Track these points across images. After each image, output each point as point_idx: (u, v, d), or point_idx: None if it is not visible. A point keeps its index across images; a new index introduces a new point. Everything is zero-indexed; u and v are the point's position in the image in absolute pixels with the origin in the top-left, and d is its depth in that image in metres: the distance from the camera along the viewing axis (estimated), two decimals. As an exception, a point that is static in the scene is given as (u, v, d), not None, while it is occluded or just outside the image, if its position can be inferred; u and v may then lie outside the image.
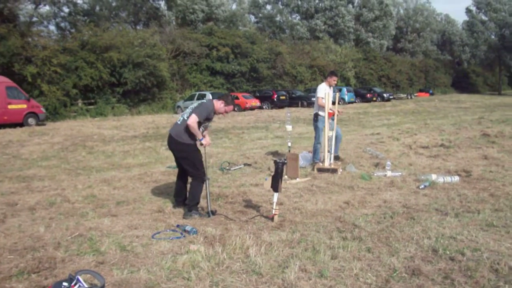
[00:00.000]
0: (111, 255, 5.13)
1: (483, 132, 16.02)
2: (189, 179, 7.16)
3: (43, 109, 26.99)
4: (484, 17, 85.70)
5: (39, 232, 5.96)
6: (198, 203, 6.86)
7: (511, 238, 5.46)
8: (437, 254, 4.98)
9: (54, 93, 30.14)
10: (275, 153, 12.72)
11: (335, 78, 10.73)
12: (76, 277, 3.58)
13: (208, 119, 6.87)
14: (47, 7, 48.02)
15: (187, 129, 6.70)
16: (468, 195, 7.63)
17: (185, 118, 6.77)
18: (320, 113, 10.57)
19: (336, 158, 10.77)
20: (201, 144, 6.79)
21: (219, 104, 6.90)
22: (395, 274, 4.51)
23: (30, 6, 43.27)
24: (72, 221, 6.54)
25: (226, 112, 7.07)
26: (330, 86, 10.73)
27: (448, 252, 5.01)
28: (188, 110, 6.89)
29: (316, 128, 10.81)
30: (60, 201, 7.83)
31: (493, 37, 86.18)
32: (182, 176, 7.30)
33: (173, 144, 6.93)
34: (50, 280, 4.47)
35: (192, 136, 6.70)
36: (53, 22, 51.53)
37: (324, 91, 10.45)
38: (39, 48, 31.32)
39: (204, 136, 6.88)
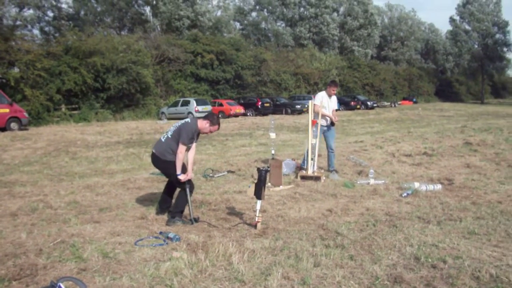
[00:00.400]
0: (93, 262, 5.10)
1: (466, 141, 16.15)
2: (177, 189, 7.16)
3: (26, 114, 26.82)
4: (467, 27, 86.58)
5: (21, 239, 5.92)
6: (182, 211, 6.86)
7: (493, 246, 5.51)
8: (419, 262, 5.01)
9: (37, 98, 29.93)
10: (258, 160, 12.72)
11: (334, 88, 10.74)
12: (58, 285, 3.56)
13: (192, 139, 6.86)
14: (31, 11, 47.74)
15: (170, 146, 6.74)
16: (450, 203, 7.69)
17: (169, 136, 6.80)
18: (321, 121, 10.58)
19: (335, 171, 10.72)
20: (179, 178, 6.75)
21: (204, 124, 6.87)
22: (377, 281, 4.53)
23: (14, 10, 43.00)
24: (54, 227, 6.49)
25: (211, 131, 7.05)
26: (329, 95, 10.73)
27: (430, 260, 5.04)
28: (172, 128, 6.91)
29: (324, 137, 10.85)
30: (42, 207, 7.77)
31: (476, 46, 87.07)
32: (170, 185, 7.29)
33: (158, 162, 6.95)
34: (32, 287, 4.44)
35: (175, 153, 6.70)
36: (37, 26, 51.18)
37: (321, 99, 10.52)
38: (23, 52, 31.07)
39: (185, 168, 6.90)
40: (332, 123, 10.80)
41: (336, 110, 10.92)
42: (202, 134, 7.20)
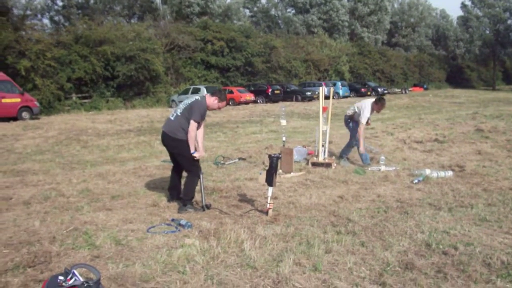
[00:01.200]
0: (106, 249, 5.14)
1: (477, 127, 16.07)
2: (184, 174, 7.17)
3: (37, 103, 26.91)
4: (479, 13, 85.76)
5: (34, 226, 5.97)
6: (193, 197, 6.87)
7: (504, 233, 5.50)
8: (430, 248, 5.01)
9: (48, 87, 30.05)
10: (269, 148, 12.72)
11: (381, 107, 10.38)
12: (72, 271, 3.60)
13: (203, 117, 6.87)
14: (41, 0, 47.83)
15: (181, 125, 6.70)
16: (461, 190, 7.67)
17: (179, 114, 6.76)
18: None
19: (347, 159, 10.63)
20: (193, 156, 6.78)
21: (212, 100, 6.86)
22: (388, 268, 4.54)
23: (24, 0, 43.10)
24: (67, 215, 6.54)
25: (219, 108, 7.05)
26: (373, 111, 10.33)
27: (441, 247, 5.04)
28: (181, 106, 6.88)
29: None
30: (54, 195, 7.82)
31: (487, 32, 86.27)
32: (177, 170, 7.31)
33: (167, 140, 6.91)
34: (46, 274, 4.47)
35: (186, 131, 6.69)
36: (47, 16, 51.34)
37: (369, 115, 10.24)
38: (33, 42, 31.15)
39: (197, 145, 6.90)
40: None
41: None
42: (210, 111, 7.18)
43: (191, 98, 6.95)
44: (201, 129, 7.06)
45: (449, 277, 4.31)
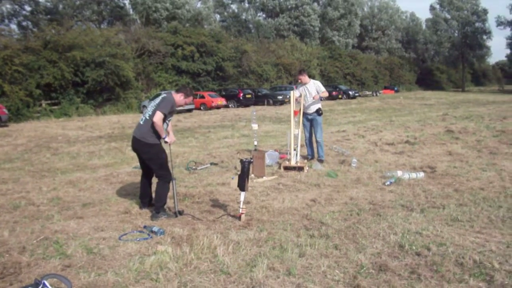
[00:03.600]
0: (77, 258, 5.07)
1: (447, 129, 16.26)
2: (154, 179, 7.11)
3: (5, 110, 26.54)
4: (447, 15, 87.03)
5: (3, 237, 5.86)
6: (165, 203, 6.81)
7: (476, 232, 5.57)
8: (404, 250, 5.04)
9: (16, 94, 29.61)
10: (241, 152, 12.71)
11: (299, 76, 11.02)
12: (42, 282, 3.54)
13: (171, 113, 6.81)
14: (8, 5, 47.23)
15: (151, 129, 6.64)
16: (433, 191, 7.75)
17: (147, 118, 6.70)
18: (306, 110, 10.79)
19: (321, 161, 10.76)
20: (166, 142, 6.75)
21: (178, 97, 6.85)
22: (362, 270, 4.55)
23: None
24: (37, 224, 6.44)
25: (186, 103, 7.07)
26: (303, 84, 10.90)
27: (414, 248, 5.07)
28: (149, 109, 6.81)
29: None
30: (24, 204, 7.70)
31: (456, 35, 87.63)
32: (146, 176, 7.24)
33: (138, 145, 6.83)
34: (16, 285, 4.40)
35: (157, 135, 6.63)
36: (15, 21, 50.66)
37: (296, 91, 10.89)
38: (0, 48, 30.75)
39: (168, 134, 6.85)
40: (318, 113, 10.82)
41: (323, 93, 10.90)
42: (178, 108, 7.15)
43: (158, 99, 6.91)
44: (169, 127, 7.04)
45: (423, 278, 4.33)
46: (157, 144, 6.69)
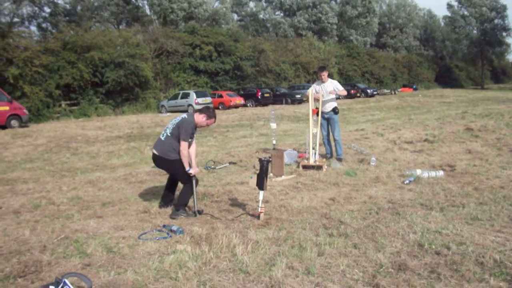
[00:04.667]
0: (97, 257, 5.10)
1: (467, 127, 16.11)
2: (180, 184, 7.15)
3: (26, 111, 26.75)
4: (465, 12, 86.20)
5: (25, 236, 5.92)
6: (186, 204, 6.85)
7: (496, 231, 5.51)
8: (423, 249, 5.01)
9: (36, 94, 29.91)
10: (260, 151, 12.71)
11: (320, 73, 10.98)
12: (63, 280, 3.57)
13: (192, 134, 6.86)
14: (28, 8, 47.67)
15: (172, 145, 6.72)
16: (452, 190, 7.69)
17: (168, 134, 6.77)
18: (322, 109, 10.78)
19: (339, 160, 10.74)
20: (189, 174, 6.76)
21: (200, 118, 6.87)
22: (381, 269, 4.53)
23: (10, 7, 42.90)
24: (57, 223, 6.49)
25: (208, 125, 7.07)
26: (322, 81, 10.87)
27: (433, 247, 5.04)
28: (170, 125, 6.88)
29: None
30: (45, 203, 7.78)
31: (474, 31, 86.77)
32: (172, 181, 7.29)
33: (160, 162, 6.95)
34: (37, 284, 4.43)
35: (178, 151, 6.69)
36: (35, 23, 51.12)
37: (313, 88, 10.91)
38: (21, 49, 31.09)
39: (191, 163, 6.88)
40: (334, 112, 10.79)
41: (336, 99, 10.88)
42: (200, 128, 7.19)
43: (179, 117, 6.96)
44: (193, 146, 7.08)
45: (442, 277, 4.30)
46: (178, 159, 6.72)
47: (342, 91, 10.84)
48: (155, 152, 6.91)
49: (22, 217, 6.97)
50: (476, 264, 4.55)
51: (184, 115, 7.00)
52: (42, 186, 9.43)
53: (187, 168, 6.68)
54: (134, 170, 10.86)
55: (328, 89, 10.68)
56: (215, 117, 7.08)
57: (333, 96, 10.71)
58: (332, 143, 11.07)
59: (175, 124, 6.77)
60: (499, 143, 12.48)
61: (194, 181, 6.80)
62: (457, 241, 5.18)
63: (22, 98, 29.28)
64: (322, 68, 11.01)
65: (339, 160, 10.57)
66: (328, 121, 10.86)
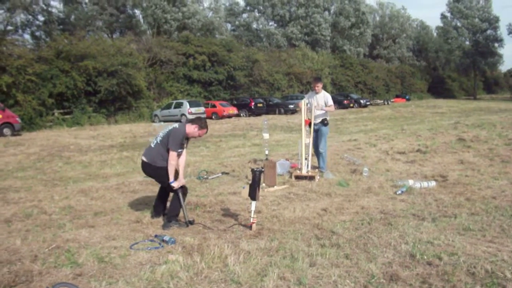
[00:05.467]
0: (89, 267, 5.09)
1: (459, 137, 16.20)
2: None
3: (18, 119, 26.71)
4: (458, 23, 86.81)
5: (16, 245, 5.89)
6: (177, 214, 6.83)
7: (487, 242, 5.54)
8: (415, 259, 5.02)
9: (29, 103, 29.86)
10: (252, 161, 12.71)
11: (314, 84, 10.93)
12: (54, 290, 3.56)
13: (182, 145, 6.86)
14: (22, 16, 47.66)
15: (160, 152, 6.74)
16: (444, 200, 7.71)
17: (159, 142, 6.78)
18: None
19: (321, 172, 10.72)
20: (172, 186, 6.75)
21: (192, 129, 6.86)
22: (373, 280, 4.54)
23: (4, 15, 42.89)
24: (49, 233, 6.47)
25: (200, 135, 7.04)
26: (316, 92, 10.86)
27: (425, 257, 5.05)
28: (161, 133, 6.89)
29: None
30: (36, 212, 7.75)
31: (467, 42, 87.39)
32: (164, 191, 7.27)
33: (149, 169, 6.96)
34: (27, 293, 4.42)
35: (166, 159, 6.69)
36: (28, 31, 51.09)
37: (307, 98, 10.90)
38: (14, 57, 31.02)
39: (177, 175, 6.88)
40: (323, 123, 10.78)
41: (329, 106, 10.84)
42: (192, 139, 7.18)
43: (171, 126, 6.96)
44: (183, 157, 7.06)
45: (434, 288, 4.31)
46: (166, 167, 6.71)
47: (330, 106, 10.78)
48: (144, 159, 6.92)
49: (13, 226, 6.93)
50: (467, 275, 4.57)
51: (176, 124, 7.00)
52: (34, 195, 9.38)
53: (171, 179, 6.66)
54: (127, 180, 10.83)
55: (320, 101, 10.68)
56: (207, 128, 7.07)
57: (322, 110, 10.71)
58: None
59: (166, 133, 6.78)
60: (491, 153, 12.55)
61: (180, 192, 6.78)
62: (448, 252, 5.20)
63: (15, 106, 29.22)
64: (318, 80, 10.98)
65: (321, 173, 10.54)
66: (316, 132, 10.85)
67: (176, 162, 6.69)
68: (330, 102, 10.81)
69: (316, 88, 10.76)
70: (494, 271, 4.61)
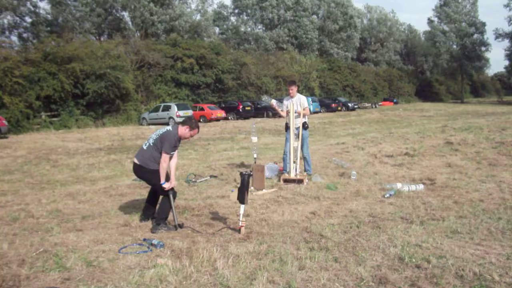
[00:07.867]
0: (77, 271, 5.05)
1: (447, 140, 16.25)
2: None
3: (5, 122, 26.53)
4: (445, 28, 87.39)
5: (3, 249, 5.84)
6: (166, 217, 6.81)
7: (475, 244, 5.56)
8: (403, 262, 5.04)
9: (16, 105, 29.64)
10: (241, 165, 12.71)
11: (288, 87, 10.81)
12: (41, 295, 3.54)
13: (175, 147, 6.85)
14: (9, 17, 47.39)
15: (152, 155, 6.72)
16: (432, 203, 7.74)
17: (151, 144, 6.77)
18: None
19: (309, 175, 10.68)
20: (163, 188, 6.74)
21: (183, 130, 6.84)
22: (362, 283, 4.55)
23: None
24: (36, 236, 6.42)
25: (191, 136, 7.02)
26: (291, 96, 10.70)
27: (414, 260, 5.07)
28: (153, 135, 6.88)
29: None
30: (24, 216, 7.69)
31: (454, 46, 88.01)
32: (153, 194, 7.25)
33: (140, 171, 6.93)
34: (15, 298, 4.39)
35: (158, 161, 6.68)
36: (15, 33, 50.79)
37: (285, 101, 10.84)
38: (1, 59, 30.76)
39: (169, 177, 6.88)
40: (304, 127, 10.69)
41: (314, 112, 10.76)
42: (184, 140, 7.17)
43: (164, 129, 6.95)
44: (174, 159, 7.05)
45: (423, 291, 4.33)
46: (158, 169, 6.69)
47: (305, 109, 10.63)
48: (135, 161, 6.89)
49: (0, 230, 6.88)
50: (456, 277, 4.59)
51: (169, 127, 6.99)
52: (21, 198, 9.33)
53: (162, 181, 6.65)
54: (115, 183, 10.79)
55: (296, 104, 10.56)
56: (198, 128, 7.05)
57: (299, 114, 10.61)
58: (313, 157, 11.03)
59: (159, 135, 6.76)
60: (478, 156, 12.61)
61: (171, 195, 6.77)
62: (437, 255, 5.21)
63: (1, 108, 29.01)
64: (291, 83, 10.85)
65: (309, 176, 10.49)
66: (297, 136, 10.76)
67: (167, 164, 6.68)
68: (305, 104, 10.69)
69: (291, 91, 10.61)
70: (482, 273, 4.64)
